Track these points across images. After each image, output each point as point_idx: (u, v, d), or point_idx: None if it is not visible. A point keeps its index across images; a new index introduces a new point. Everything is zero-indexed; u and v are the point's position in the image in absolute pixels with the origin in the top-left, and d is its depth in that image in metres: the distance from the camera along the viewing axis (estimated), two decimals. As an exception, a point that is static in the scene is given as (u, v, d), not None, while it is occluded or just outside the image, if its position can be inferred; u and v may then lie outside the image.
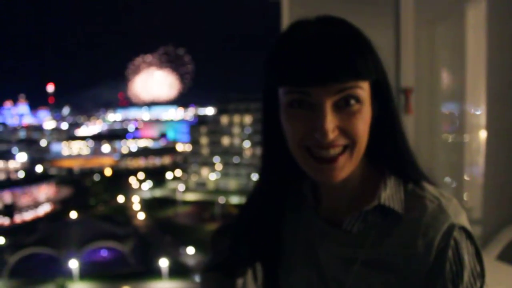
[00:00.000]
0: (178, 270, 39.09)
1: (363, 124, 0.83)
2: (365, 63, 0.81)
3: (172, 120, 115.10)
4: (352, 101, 0.81)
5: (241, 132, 73.05)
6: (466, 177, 3.66)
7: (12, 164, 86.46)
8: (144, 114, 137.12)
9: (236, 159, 72.59)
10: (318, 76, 0.79)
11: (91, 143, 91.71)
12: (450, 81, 3.73)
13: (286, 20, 2.79)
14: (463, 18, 3.35)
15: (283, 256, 1.02)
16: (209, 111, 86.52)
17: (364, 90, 0.82)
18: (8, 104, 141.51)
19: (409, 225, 0.85)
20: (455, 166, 3.66)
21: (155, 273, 38.67)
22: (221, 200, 59.61)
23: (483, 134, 3.46)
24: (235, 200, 62.32)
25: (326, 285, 0.94)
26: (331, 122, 0.80)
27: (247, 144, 72.65)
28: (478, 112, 3.57)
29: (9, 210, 57.82)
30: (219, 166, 72.97)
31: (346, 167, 0.84)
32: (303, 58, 0.80)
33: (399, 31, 2.77)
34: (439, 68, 3.58)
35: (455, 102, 3.75)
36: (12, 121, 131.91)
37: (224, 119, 73.64)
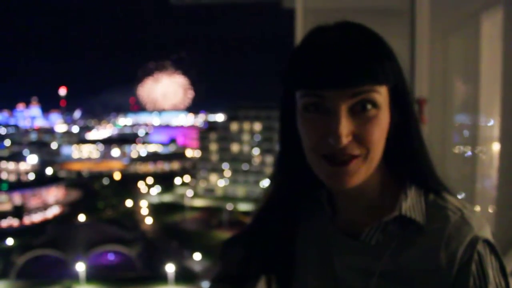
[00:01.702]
0: (184, 276, 39.05)
1: (379, 131, 0.80)
2: (381, 67, 0.79)
3: (182, 126, 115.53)
4: (369, 106, 0.79)
5: (251, 139, 73.07)
6: (477, 190, 3.62)
7: (23, 166, 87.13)
8: (155, 119, 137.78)
9: (245, 166, 72.54)
10: (332, 79, 0.77)
11: (101, 147, 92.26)
12: (464, 92, 3.70)
13: (300, 28, 2.78)
14: (478, 29, 3.32)
15: (296, 267, 1.00)
16: (219, 117, 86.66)
17: (381, 95, 0.80)
18: (20, 106, 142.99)
19: (431, 237, 0.82)
20: (467, 178, 3.62)
21: (161, 278, 38.62)
22: (229, 207, 59.54)
23: (496, 147, 3.42)
24: (243, 207, 62.16)
25: None
26: (345, 127, 0.77)
27: (256, 151, 72.62)
28: (492, 124, 3.54)
29: (19, 211, 58.17)
30: (228, 173, 72.95)
31: (358, 172, 0.81)
32: (318, 61, 0.79)
33: (414, 42, 2.76)
34: (453, 79, 3.56)
35: (469, 113, 3.72)
36: (24, 123, 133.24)
37: (234, 126, 73.73)
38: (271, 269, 1.01)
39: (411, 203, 0.86)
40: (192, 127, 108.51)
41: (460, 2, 3.33)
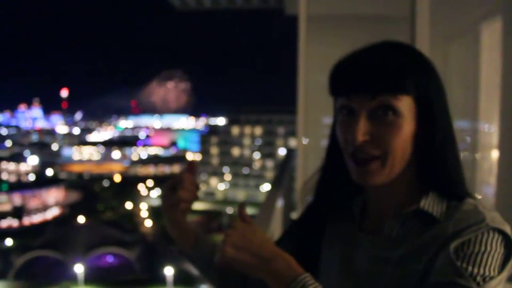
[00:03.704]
0: (183, 279, 39.02)
1: (397, 136, 0.88)
2: (398, 78, 0.87)
3: (183, 129, 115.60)
4: (389, 112, 0.87)
5: (252, 143, 73.11)
6: (477, 197, 3.64)
7: (23, 167, 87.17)
8: (156, 122, 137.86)
9: (245, 170, 72.55)
10: (355, 85, 0.89)
11: (101, 149, 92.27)
12: (464, 99, 3.74)
13: (303, 34, 2.82)
14: (478, 37, 3.36)
15: (320, 271, 1.05)
16: (220, 121, 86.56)
17: (402, 103, 0.88)
18: (22, 107, 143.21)
19: (443, 224, 0.87)
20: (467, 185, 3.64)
21: (160, 281, 38.61)
22: (229, 210, 59.51)
23: (495, 153, 3.45)
24: (243, 211, 62.02)
25: None
26: (362, 126, 0.87)
27: (257, 155, 72.63)
28: (491, 130, 3.57)
29: (18, 212, 58.20)
30: (228, 177, 72.95)
31: (378, 173, 0.89)
32: (346, 70, 0.92)
33: (414, 49, 2.80)
34: (453, 86, 3.60)
35: (468, 120, 3.76)
36: (25, 124, 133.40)
37: (235, 130, 73.80)
38: None
39: (431, 201, 0.91)
40: (193, 130, 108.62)
41: (460, 11, 3.37)
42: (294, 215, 4.71)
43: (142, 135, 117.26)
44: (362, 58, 0.91)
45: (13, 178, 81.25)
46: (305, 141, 3.33)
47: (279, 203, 3.13)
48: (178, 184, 1.06)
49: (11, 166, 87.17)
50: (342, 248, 1.02)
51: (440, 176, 0.93)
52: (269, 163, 71.34)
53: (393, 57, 0.90)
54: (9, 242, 47.79)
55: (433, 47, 2.96)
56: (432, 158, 0.92)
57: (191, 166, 1.10)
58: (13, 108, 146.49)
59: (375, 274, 0.92)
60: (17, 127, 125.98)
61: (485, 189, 3.71)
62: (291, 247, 1.02)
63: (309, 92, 3.12)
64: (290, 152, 7.66)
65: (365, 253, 0.96)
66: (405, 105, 0.88)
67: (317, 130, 3.23)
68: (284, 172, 4.73)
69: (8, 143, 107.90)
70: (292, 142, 66.08)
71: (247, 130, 73.02)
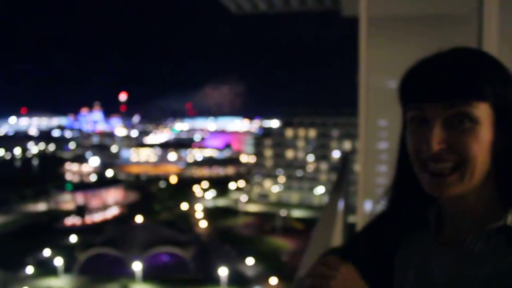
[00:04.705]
0: (237, 280, 39.37)
1: (475, 143, 0.84)
2: (476, 85, 0.84)
3: (237, 131, 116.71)
4: (466, 120, 0.84)
5: (306, 145, 72.75)
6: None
7: (85, 168, 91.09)
8: (210, 125, 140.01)
9: (299, 173, 72.28)
10: (429, 93, 0.86)
11: (158, 150, 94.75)
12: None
13: (364, 35, 2.78)
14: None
15: (394, 282, 1.02)
16: (274, 123, 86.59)
17: (479, 110, 0.84)
18: (84, 111, 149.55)
19: None
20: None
21: (214, 281, 39.12)
22: (283, 213, 59.50)
23: None
24: (297, 213, 61.95)
25: None
26: (437, 134, 0.84)
27: (311, 158, 72.20)
28: None
29: (81, 210, 60.85)
30: (282, 179, 72.92)
31: (455, 185, 0.86)
32: (419, 78, 0.89)
33: (481, 49, 2.71)
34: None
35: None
36: (87, 127, 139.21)
37: (289, 132, 73.69)
38: (369, 284, 1.00)
39: None
40: (247, 132, 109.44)
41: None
42: (352, 219, 4.66)
43: (197, 137, 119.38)
44: (436, 65, 0.88)
45: (76, 179, 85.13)
46: (365, 143, 3.30)
47: (340, 206, 3.11)
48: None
49: (75, 167, 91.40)
50: (418, 259, 0.98)
51: None
52: (323, 166, 70.73)
53: (468, 64, 0.87)
54: (73, 239, 50.04)
55: (501, 46, 2.85)
56: None
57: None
58: (76, 111, 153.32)
59: None
60: (79, 130, 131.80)
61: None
62: (360, 259, 0.99)
63: (370, 94, 3.08)
64: (346, 154, 7.58)
65: (444, 267, 0.92)
66: (482, 112, 0.85)
67: (377, 133, 3.18)
68: (344, 175, 4.69)
69: (72, 145, 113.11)
70: (347, 145, 65.19)
71: (301, 132, 72.73)
